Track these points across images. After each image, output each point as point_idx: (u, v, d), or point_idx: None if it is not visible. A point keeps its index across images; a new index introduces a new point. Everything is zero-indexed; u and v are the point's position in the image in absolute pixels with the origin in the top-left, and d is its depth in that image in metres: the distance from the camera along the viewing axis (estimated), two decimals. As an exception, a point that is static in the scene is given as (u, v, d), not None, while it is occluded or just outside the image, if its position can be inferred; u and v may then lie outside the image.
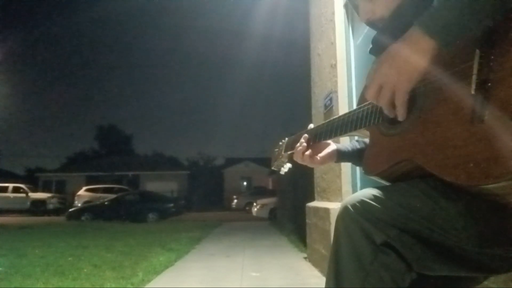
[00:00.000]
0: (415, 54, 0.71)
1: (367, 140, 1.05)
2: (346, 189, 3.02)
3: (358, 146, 1.14)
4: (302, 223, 4.58)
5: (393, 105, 0.77)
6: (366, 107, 0.93)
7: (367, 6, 0.95)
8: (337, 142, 1.16)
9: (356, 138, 1.20)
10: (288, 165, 1.27)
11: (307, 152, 1.10)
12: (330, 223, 3.06)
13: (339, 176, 3.09)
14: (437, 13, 0.70)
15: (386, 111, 0.79)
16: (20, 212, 19.73)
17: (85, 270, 3.80)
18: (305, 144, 1.11)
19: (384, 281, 0.72)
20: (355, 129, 0.96)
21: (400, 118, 0.78)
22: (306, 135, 1.12)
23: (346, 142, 1.20)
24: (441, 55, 0.71)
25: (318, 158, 1.11)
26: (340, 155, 1.14)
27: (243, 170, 34.55)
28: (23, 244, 5.91)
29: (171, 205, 15.25)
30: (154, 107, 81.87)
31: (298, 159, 1.12)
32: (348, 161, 1.18)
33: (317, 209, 3.67)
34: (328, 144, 1.14)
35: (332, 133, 1.04)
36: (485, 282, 0.98)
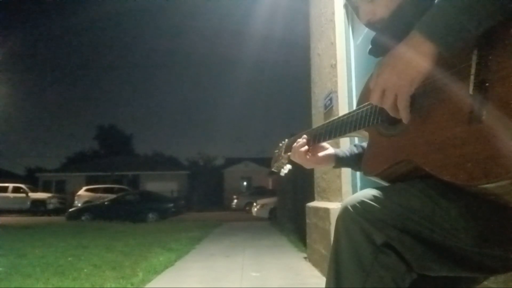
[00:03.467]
0: (416, 58, 0.71)
1: (365, 144, 1.05)
2: (346, 189, 3.02)
3: (356, 151, 1.15)
4: (302, 223, 4.58)
5: (397, 108, 0.77)
6: (365, 108, 0.93)
7: (368, 7, 0.95)
8: (336, 143, 1.17)
9: (354, 141, 1.20)
10: (288, 167, 1.27)
11: (303, 149, 1.12)
12: (330, 223, 3.06)
13: (339, 176, 3.09)
14: (436, 16, 0.70)
15: (391, 114, 0.80)
16: (20, 212, 19.71)
17: (85, 270, 3.80)
18: (304, 141, 1.12)
19: (384, 281, 0.72)
20: (354, 130, 0.96)
21: (404, 121, 0.78)
22: (305, 135, 1.14)
23: (345, 147, 1.20)
24: (441, 57, 0.71)
25: (314, 157, 1.13)
26: (339, 160, 1.15)
27: (243, 170, 34.51)
28: (23, 244, 5.90)
29: (171, 205, 15.22)
30: (154, 107, 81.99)
31: (295, 156, 1.14)
32: (347, 166, 1.19)
33: (317, 209, 3.66)
34: (326, 148, 1.16)
35: (331, 134, 1.05)
36: (485, 282, 0.98)
